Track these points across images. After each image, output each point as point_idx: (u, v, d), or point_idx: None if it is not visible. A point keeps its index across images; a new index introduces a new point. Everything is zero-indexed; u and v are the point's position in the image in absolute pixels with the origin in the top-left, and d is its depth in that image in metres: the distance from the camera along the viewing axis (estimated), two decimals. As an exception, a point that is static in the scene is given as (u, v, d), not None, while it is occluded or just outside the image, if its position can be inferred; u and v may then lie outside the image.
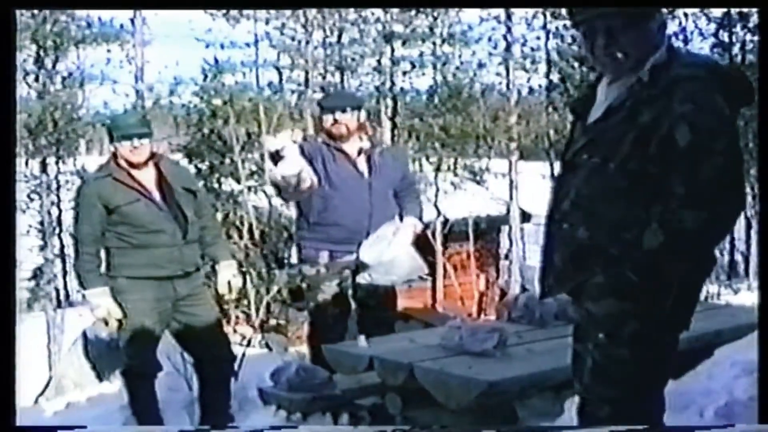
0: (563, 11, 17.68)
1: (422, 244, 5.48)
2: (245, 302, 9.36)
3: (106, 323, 4.52)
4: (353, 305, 5.07)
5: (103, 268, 4.58)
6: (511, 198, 18.58)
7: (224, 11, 17.45)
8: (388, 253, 4.81)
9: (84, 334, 4.66)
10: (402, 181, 5.17)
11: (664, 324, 2.49)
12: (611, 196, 2.48)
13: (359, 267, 4.86)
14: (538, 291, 2.78)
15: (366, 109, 5.43)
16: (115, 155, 4.56)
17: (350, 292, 5.00)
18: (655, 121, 2.40)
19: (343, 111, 4.99)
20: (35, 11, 16.71)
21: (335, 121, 4.97)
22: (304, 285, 5.19)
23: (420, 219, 5.14)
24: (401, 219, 5.03)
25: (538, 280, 2.77)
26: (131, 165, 4.54)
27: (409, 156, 17.61)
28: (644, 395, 2.56)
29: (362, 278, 4.87)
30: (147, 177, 4.60)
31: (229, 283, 4.88)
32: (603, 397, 2.55)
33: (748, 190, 2.70)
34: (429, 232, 16.50)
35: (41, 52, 17.29)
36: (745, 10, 15.20)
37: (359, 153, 5.02)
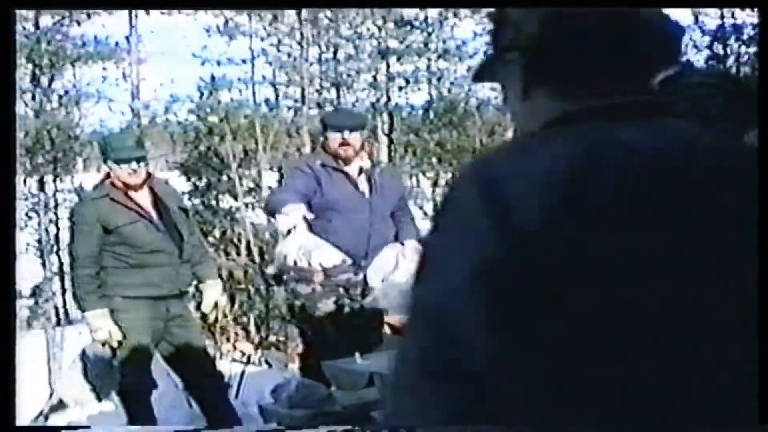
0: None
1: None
2: (245, 319, 9.35)
3: (110, 346, 4.48)
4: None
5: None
6: (508, 212, 18.59)
7: (221, 28, 17.52)
8: (395, 278, 4.79)
9: (83, 353, 4.65)
10: (399, 201, 5.12)
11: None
12: None
13: (365, 291, 4.84)
14: None
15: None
16: (109, 175, 4.55)
17: (347, 310, 4.96)
18: None
19: (351, 131, 4.88)
20: (31, 30, 16.75)
21: (343, 141, 4.86)
22: (298, 303, 5.16)
23: (419, 241, 5.10)
24: (396, 239, 4.99)
25: None
26: (127, 186, 4.53)
27: (404, 174, 17.67)
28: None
29: (368, 303, 4.84)
30: (143, 197, 4.59)
31: (216, 302, 4.87)
32: None
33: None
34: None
35: (37, 71, 17.26)
36: (739, 22, 15.27)
37: (360, 172, 4.95)
